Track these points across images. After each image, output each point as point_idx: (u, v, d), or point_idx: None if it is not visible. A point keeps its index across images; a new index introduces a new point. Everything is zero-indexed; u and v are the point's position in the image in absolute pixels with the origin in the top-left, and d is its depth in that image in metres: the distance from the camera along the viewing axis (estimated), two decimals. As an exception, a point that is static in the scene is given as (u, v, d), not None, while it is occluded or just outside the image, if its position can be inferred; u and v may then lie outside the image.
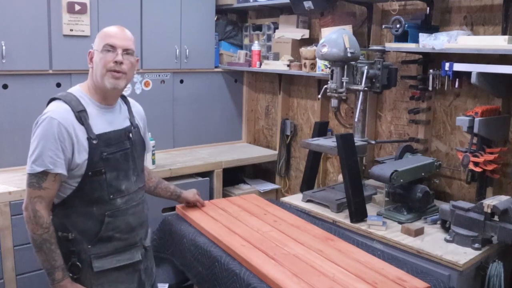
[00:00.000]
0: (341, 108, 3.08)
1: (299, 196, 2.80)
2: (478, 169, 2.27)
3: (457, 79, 2.34)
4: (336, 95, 2.56)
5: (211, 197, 3.38)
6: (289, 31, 3.52)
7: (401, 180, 2.27)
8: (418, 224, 2.28)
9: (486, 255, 2.07)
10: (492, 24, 2.48)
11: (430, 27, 2.60)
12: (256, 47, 3.66)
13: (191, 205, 2.52)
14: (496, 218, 2.05)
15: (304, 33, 3.45)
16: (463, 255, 2.01)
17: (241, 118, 4.13)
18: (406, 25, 2.50)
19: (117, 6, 3.19)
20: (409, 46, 2.50)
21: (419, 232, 2.21)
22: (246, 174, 4.06)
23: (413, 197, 2.35)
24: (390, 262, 1.97)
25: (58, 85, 3.05)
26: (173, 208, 2.70)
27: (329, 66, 2.68)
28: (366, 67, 2.55)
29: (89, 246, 1.71)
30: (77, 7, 3.00)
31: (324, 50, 2.47)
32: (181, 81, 3.66)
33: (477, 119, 2.23)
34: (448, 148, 2.73)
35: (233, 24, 4.01)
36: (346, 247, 2.09)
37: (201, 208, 2.52)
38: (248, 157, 3.67)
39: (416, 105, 2.78)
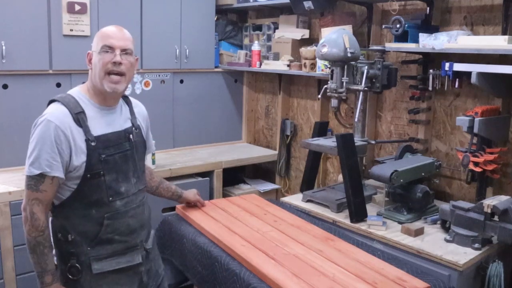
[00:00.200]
0: (341, 108, 3.08)
1: (299, 196, 2.80)
2: (478, 169, 2.27)
3: (457, 79, 2.34)
4: (336, 95, 2.56)
5: (211, 197, 3.38)
6: (289, 31, 3.52)
7: (401, 180, 2.27)
8: (418, 224, 2.28)
9: (486, 255, 2.07)
10: (492, 24, 2.48)
11: (430, 27, 2.60)
12: (256, 47, 3.66)
13: (191, 205, 2.52)
14: (496, 218, 2.05)
15: (304, 33, 3.45)
16: (463, 255, 2.01)
17: (241, 118, 4.13)
18: (406, 25, 2.49)
19: (117, 6, 3.19)
20: (409, 46, 2.50)
21: (419, 232, 2.21)
22: (246, 174, 4.06)
23: (413, 197, 2.35)
24: (390, 262, 1.97)
25: (58, 85, 3.05)
26: (173, 208, 2.70)
27: (329, 66, 2.68)
28: (366, 67, 2.55)
29: (89, 248, 1.70)
30: (77, 7, 3.00)
31: (324, 50, 2.47)
32: (181, 81, 3.66)
33: (477, 119, 2.23)
34: (448, 148, 2.73)
35: (233, 24, 4.01)
36: (346, 247, 2.09)
37: (201, 208, 2.52)
38: (248, 157, 3.67)
39: (416, 105, 2.78)
